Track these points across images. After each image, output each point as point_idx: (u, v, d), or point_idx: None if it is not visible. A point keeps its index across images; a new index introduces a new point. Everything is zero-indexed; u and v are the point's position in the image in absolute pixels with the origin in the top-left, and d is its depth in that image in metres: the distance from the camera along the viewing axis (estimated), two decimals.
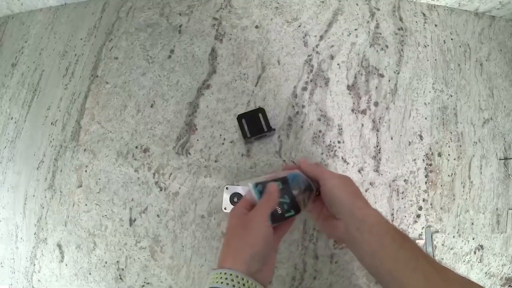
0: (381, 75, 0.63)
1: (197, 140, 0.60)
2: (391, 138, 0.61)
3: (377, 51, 0.65)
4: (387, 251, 0.35)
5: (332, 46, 0.64)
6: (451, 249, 0.58)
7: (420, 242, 0.57)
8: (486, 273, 0.58)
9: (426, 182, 0.60)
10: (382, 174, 0.59)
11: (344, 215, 0.38)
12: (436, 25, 0.67)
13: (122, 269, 0.58)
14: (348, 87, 0.62)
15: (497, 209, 0.60)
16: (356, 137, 0.60)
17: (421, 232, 0.58)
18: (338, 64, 0.63)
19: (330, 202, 0.40)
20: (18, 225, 0.64)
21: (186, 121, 0.61)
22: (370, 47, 0.65)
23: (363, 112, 0.61)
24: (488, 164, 0.62)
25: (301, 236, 0.56)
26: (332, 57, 0.64)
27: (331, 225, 0.41)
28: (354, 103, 0.62)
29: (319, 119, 0.61)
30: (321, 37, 0.65)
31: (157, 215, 0.58)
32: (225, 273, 0.34)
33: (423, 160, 0.60)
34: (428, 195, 0.59)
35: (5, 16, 0.78)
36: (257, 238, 0.37)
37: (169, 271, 0.57)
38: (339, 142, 0.60)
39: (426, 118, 0.62)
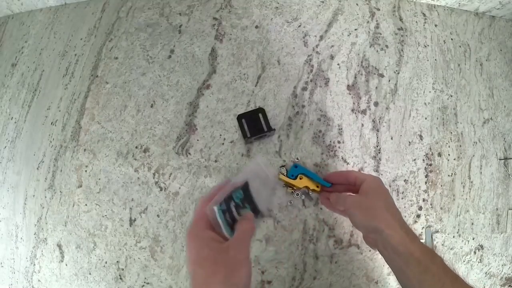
0: (381, 75, 0.63)
1: (197, 140, 0.60)
2: (391, 138, 0.61)
3: (377, 51, 0.65)
4: (413, 272, 0.35)
5: (332, 46, 0.64)
6: (451, 249, 0.58)
7: None
8: (486, 273, 0.58)
9: (426, 182, 0.60)
10: (382, 174, 0.59)
11: (371, 233, 0.40)
12: (436, 25, 0.67)
13: (122, 269, 0.58)
14: (348, 87, 0.62)
15: (497, 209, 0.60)
16: (356, 137, 0.60)
17: (421, 232, 0.58)
18: (338, 64, 0.63)
19: (357, 228, 0.43)
20: (18, 225, 0.64)
21: (186, 121, 0.61)
22: (370, 47, 0.65)
23: (363, 112, 0.61)
24: (488, 164, 0.62)
25: (301, 236, 0.56)
26: (332, 57, 0.64)
27: (364, 236, 0.43)
28: (354, 103, 0.62)
29: (319, 119, 0.61)
30: (321, 37, 0.65)
31: (157, 215, 0.58)
32: None
33: (423, 160, 0.60)
34: (428, 195, 0.59)
35: (5, 16, 0.78)
36: (243, 278, 0.32)
37: (169, 271, 0.57)
38: (339, 142, 0.60)
39: (426, 118, 0.62)
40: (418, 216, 0.58)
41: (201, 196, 0.39)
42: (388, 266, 0.40)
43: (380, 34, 0.66)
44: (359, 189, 0.44)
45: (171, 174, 0.59)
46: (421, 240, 0.56)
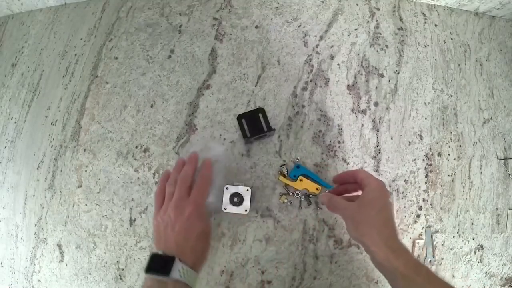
0: (381, 75, 0.63)
1: (197, 140, 0.60)
2: (391, 138, 0.61)
3: (377, 51, 0.65)
4: (399, 285, 0.38)
5: (332, 46, 0.64)
6: (451, 249, 0.58)
7: (420, 242, 0.57)
8: (486, 273, 0.58)
9: (426, 182, 0.60)
10: (382, 174, 0.59)
11: (361, 244, 0.43)
12: (436, 25, 0.67)
13: (122, 269, 0.58)
14: (348, 87, 0.62)
15: (497, 209, 0.60)
16: (356, 137, 0.60)
17: (421, 232, 0.58)
18: (338, 64, 0.63)
19: (349, 235, 0.45)
20: (18, 225, 0.64)
21: (186, 121, 0.61)
22: (370, 47, 0.65)
23: (363, 112, 0.61)
24: (488, 164, 0.62)
25: (301, 236, 0.56)
26: (332, 57, 0.64)
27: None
28: (354, 103, 0.62)
29: (319, 119, 0.61)
30: (321, 37, 0.65)
31: None
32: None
33: (423, 160, 0.60)
34: (428, 195, 0.59)
35: (5, 16, 0.78)
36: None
37: None
38: (339, 142, 0.60)
39: (426, 118, 0.62)
40: (418, 216, 0.58)
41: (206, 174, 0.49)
42: None
43: (380, 34, 0.66)
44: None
45: None
46: (421, 240, 0.57)
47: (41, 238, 0.62)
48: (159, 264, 0.40)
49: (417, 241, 0.57)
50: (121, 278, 0.57)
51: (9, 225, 0.64)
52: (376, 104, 0.62)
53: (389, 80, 0.63)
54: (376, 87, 0.63)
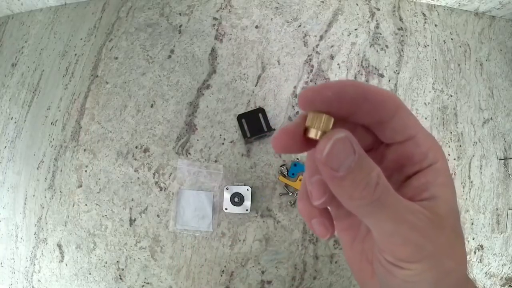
0: (381, 75, 0.63)
1: (197, 140, 0.60)
2: None
3: (377, 51, 0.65)
4: None
5: (332, 46, 0.64)
6: None
7: None
8: (486, 273, 0.58)
9: None
10: None
11: None
12: (436, 25, 0.67)
13: (122, 269, 0.58)
14: None
15: (497, 209, 0.60)
16: None
17: None
18: (338, 64, 0.63)
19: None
20: (18, 225, 0.64)
21: (186, 121, 0.61)
22: (370, 47, 0.65)
23: None
24: (488, 164, 0.62)
25: (301, 236, 0.56)
26: (332, 57, 0.64)
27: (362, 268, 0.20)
28: None
29: None
30: (321, 37, 0.65)
31: (157, 215, 0.58)
32: None
33: None
34: None
35: (5, 16, 0.78)
36: None
37: (169, 271, 0.57)
38: None
39: (426, 118, 0.62)
40: None
41: None
42: None
43: (380, 34, 0.66)
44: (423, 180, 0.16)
45: (171, 174, 0.59)
46: None
47: (41, 238, 0.62)
48: None
49: None
50: (121, 278, 0.57)
51: (9, 225, 0.64)
52: None
53: (389, 80, 0.63)
54: None
